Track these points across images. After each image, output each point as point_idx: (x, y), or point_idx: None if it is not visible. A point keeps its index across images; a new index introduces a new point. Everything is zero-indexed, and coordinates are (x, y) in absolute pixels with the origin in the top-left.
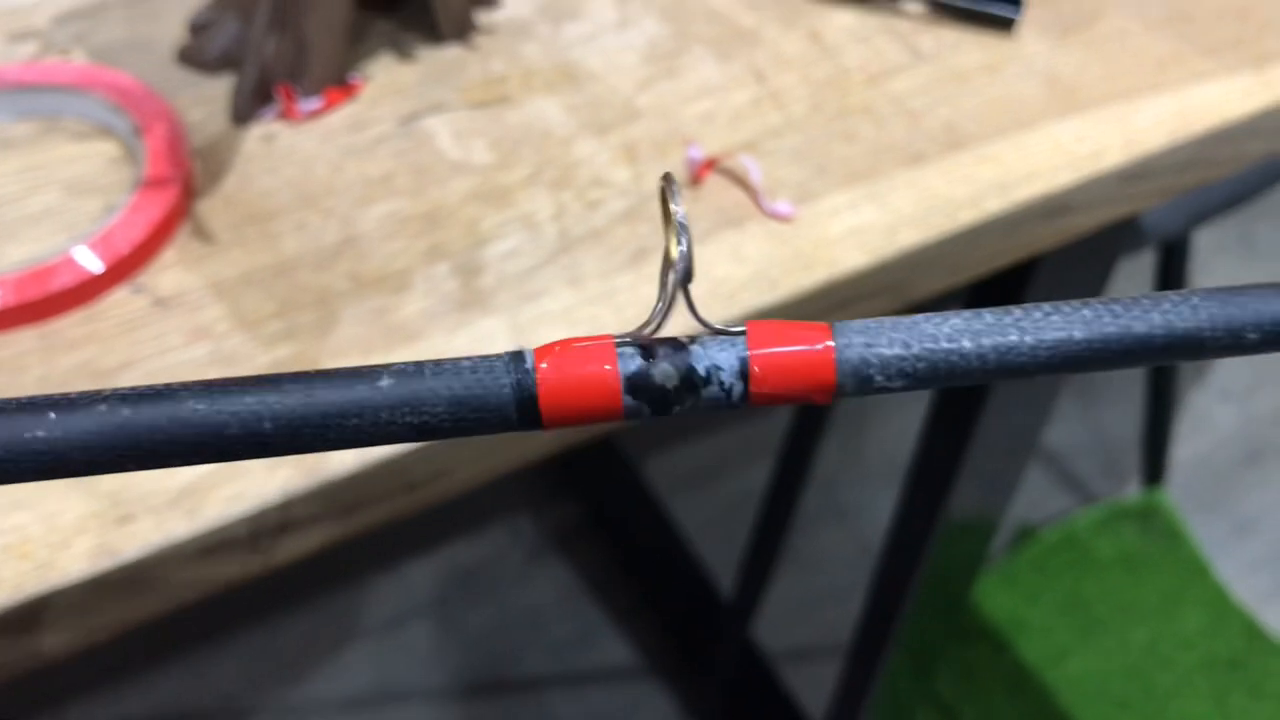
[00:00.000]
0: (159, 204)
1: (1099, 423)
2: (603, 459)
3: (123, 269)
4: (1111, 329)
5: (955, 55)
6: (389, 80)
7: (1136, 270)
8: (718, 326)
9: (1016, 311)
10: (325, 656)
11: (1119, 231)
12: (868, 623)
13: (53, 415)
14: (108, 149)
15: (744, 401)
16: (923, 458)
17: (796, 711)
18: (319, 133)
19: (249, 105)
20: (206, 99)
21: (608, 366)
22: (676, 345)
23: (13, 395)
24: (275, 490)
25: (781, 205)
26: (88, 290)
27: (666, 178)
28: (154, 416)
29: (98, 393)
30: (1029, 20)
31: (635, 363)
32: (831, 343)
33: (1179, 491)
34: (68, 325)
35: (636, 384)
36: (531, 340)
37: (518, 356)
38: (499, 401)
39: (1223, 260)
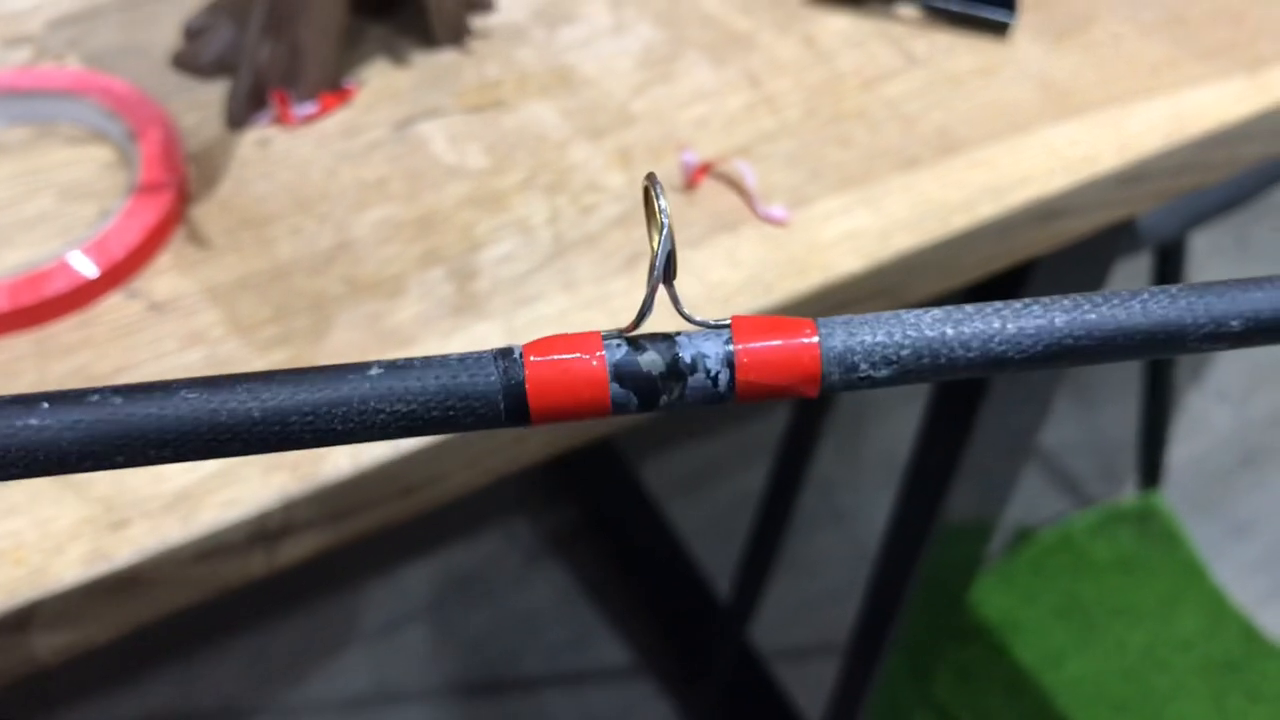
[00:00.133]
0: (154, 209)
1: (1096, 425)
2: (600, 461)
3: (118, 274)
4: (1092, 316)
5: (949, 60)
6: (384, 85)
7: (1133, 273)
8: (702, 319)
9: (998, 304)
10: (323, 660)
11: (1115, 234)
12: (865, 624)
13: (46, 405)
14: (102, 154)
15: (732, 391)
16: (919, 460)
17: (794, 713)
18: (314, 138)
19: (244, 110)
20: (201, 104)
21: (594, 357)
22: (663, 337)
23: None
24: (271, 495)
25: (776, 210)
26: (82, 295)
27: (650, 177)
28: (145, 404)
29: (90, 389)
30: (1023, 25)
31: (621, 351)
32: (815, 333)
33: (1176, 494)
34: (62, 330)
35: (623, 372)
36: None
37: (506, 350)
38: (487, 392)
39: (1219, 263)
